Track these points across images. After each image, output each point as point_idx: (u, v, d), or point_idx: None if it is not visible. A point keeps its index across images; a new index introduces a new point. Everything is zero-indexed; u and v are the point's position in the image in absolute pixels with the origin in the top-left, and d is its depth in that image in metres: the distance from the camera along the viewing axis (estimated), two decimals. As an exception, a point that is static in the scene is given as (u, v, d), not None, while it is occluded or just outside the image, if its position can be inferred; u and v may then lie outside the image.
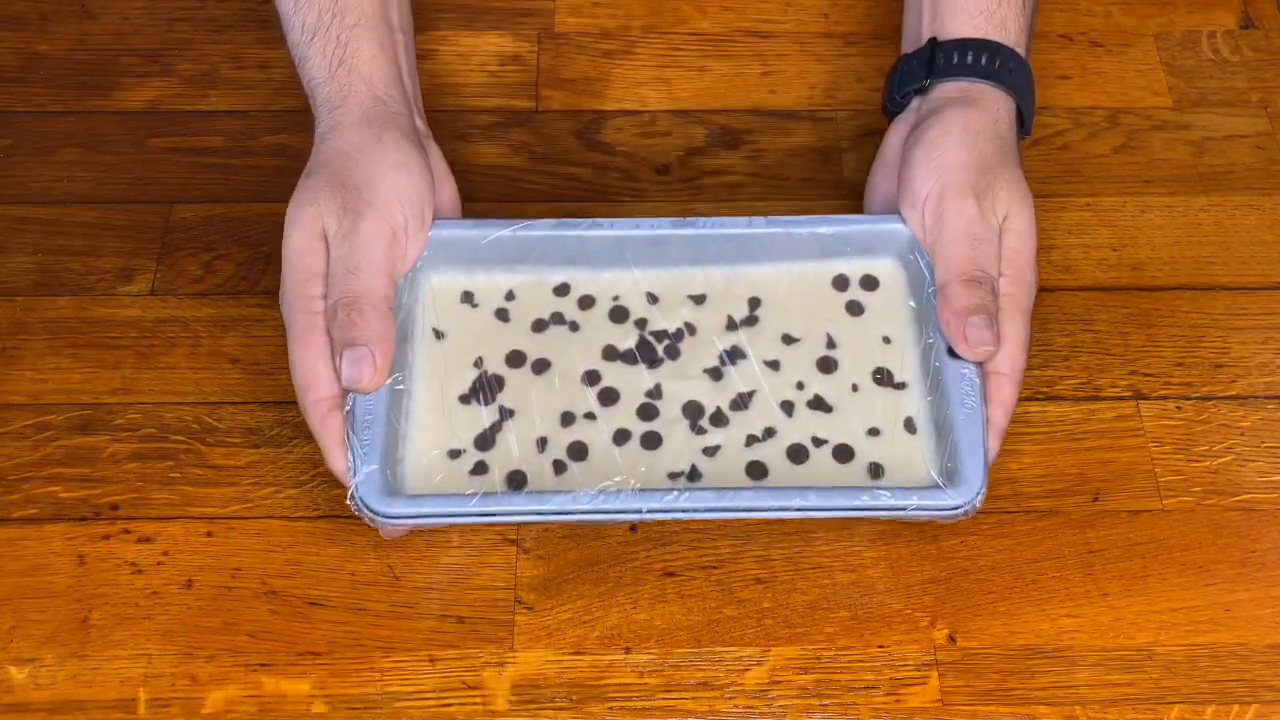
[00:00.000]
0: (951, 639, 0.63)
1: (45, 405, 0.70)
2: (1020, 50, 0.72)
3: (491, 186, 0.79)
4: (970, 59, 0.70)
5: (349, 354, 0.62)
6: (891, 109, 0.74)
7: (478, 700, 0.62)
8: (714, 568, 0.65)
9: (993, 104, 0.70)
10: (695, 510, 0.61)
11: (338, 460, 0.62)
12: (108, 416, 0.69)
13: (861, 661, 0.63)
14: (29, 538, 0.66)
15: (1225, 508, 0.67)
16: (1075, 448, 0.69)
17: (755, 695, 0.62)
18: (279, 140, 0.80)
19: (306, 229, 0.65)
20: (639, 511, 0.61)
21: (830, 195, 0.79)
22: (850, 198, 0.78)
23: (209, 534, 0.66)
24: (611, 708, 0.61)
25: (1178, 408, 0.70)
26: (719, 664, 0.63)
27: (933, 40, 0.72)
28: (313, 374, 0.63)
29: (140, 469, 0.67)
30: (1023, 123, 0.72)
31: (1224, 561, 0.66)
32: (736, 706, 0.62)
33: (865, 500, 0.61)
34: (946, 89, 0.70)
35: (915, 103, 0.72)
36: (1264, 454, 0.69)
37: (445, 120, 0.81)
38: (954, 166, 0.67)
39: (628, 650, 0.63)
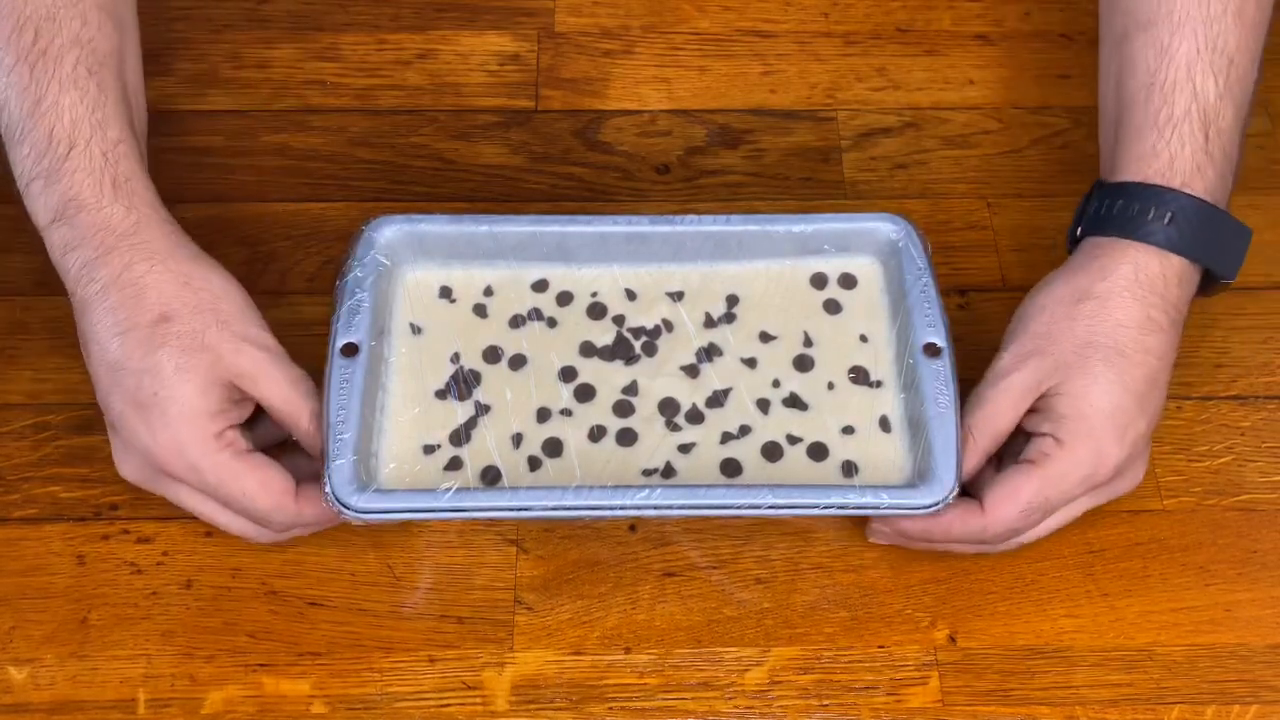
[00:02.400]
0: (951, 639, 0.63)
1: (45, 405, 0.70)
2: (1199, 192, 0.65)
3: (492, 186, 0.79)
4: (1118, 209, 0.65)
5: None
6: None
7: (478, 700, 0.62)
8: (714, 568, 0.65)
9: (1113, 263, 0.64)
10: (667, 507, 0.61)
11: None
12: (107, 416, 0.69)
13: (861, 661, 0.63)
14: (29, 538, 0.66)
15: (1225, 508, 0.67)
16: (1075, 448, 0.69)
17: (755, 695, 0.62)
18: (279, 140, 0.80)
19: (205, 372, 0.61)
20: (611, 509, 0.60)
21: (830, 195, 0.79)
22: (850, 197, 0.78)
23: (208, 534, 0.66)
24: (611, 708, 0.61)
25: (1178, 408, 0.70)
26: (719, 664, 0.63)
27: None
28: (275, 481, 0.61)
29: (140, 469, 0.67)
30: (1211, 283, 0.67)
31: (1224, 561, 0.66)
32: (736, 707, 0.62)
33: (837, 499, 0.61)
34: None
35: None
36: (1264, 454, 0.69)
37: (445, 120, 0.81)
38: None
39: (628, 650, 0.63)
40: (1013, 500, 0.61)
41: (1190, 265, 0.64)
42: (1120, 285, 0.63)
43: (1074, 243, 0.67)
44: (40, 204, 0.63)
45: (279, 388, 0.62)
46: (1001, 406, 0.62)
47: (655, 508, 0.60)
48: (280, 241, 0.76)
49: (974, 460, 0.62)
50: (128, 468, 0.63)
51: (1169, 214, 0.63)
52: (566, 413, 0.65)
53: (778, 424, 0.65)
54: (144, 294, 0.61)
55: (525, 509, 0.60)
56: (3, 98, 0.64)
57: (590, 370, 0.67)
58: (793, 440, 0.65)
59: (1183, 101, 0.65)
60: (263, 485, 0.61)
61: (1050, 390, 0.62)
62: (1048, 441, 0.61)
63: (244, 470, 0.61)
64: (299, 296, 0.73)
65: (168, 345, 0.60)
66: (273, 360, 0.62)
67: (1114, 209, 0.65)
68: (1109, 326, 0.62)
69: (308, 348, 0.70)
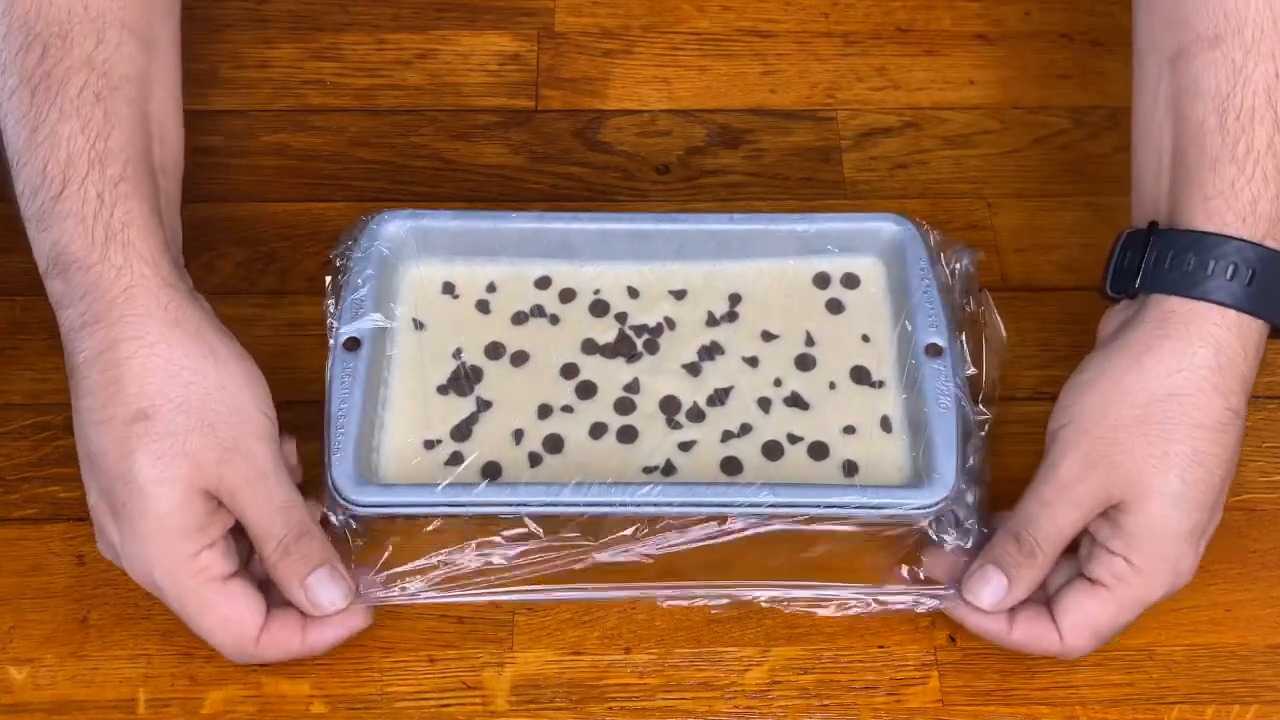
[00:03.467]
0: (951, 639, 0.63)
1: (45, 405, 0.70)
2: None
3: (491, 186, 0.79)
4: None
5: (322, 574, 0.58)
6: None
7: (477, 700, 0.62)
8: (714, 568, 0.65)
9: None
10: (667, 504, 0.61)
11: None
12: (107, 416, 0.69)
13: (861, 661, 0.63)
14: (29, 538, 0.66)
15: (1225, 508, 0.67)
16: (1075, 448, 0.69)
17: (755, 695, 0.62)
18: (278, 140, 0.80)
19: (183, 485, 0.55)
20: (611, 505, 0.60)
21: (830, 195, 0.79)
22: (850, 197, 0.78)
23: (209, 534, 0.65)
24: (611, 708, 0.61)
25: (1178, 407, 0.70)
26: (719, 664, 0.63)
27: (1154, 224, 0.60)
28: (237, 621, 0.57)
29: (140, 469, 0.67)
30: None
31: (1224, 561, 0.66)
32: (736, 707, 0.62)
33: (837, 498, 0.61)
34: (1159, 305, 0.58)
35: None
36: (1264, 454, 0.69)
37: (445, 120, 0.81)
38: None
39: (628, 650, 0.63)
40: (1090, 628, 0.58)
41: (1265, 325, 0.59)
42: (1199, 377, 0.57)
43: (1118, 292, 0.61)
44: (35, 247, 0.58)
45: (258, 511, 0.57)
46: (1071, 521, 0.58)
47: (655, 505, 0.60)
48: (280, 241, 0.76)
49: (1041, 575, 0.59)
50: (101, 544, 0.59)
51: (1252, 272, 0.56)
52: (568, 409, 0.65)
53: (779, 423, 0.65)
54: (124, 383, 0.55)
55: (525, 505, 0.60)
56: (4, 124, 0.59)
57: (592, 367, 0.67)
58: (793, 439, 0.65)
59: (1263, 132, 0.58)
60: (222, 623, 0.57)
61: (1121, 504, 0.57)
62: (1119, 564, 0.57)
63: (207, 605, 0.56)
64: (299, 296, 0.73)
65: (144, 449, 0.55)
66: (259, 478, 0.57)
67: (1185, 263, 0.58)
68: (1186, 430, 0.57)
69: (308, 348, 0.70)
